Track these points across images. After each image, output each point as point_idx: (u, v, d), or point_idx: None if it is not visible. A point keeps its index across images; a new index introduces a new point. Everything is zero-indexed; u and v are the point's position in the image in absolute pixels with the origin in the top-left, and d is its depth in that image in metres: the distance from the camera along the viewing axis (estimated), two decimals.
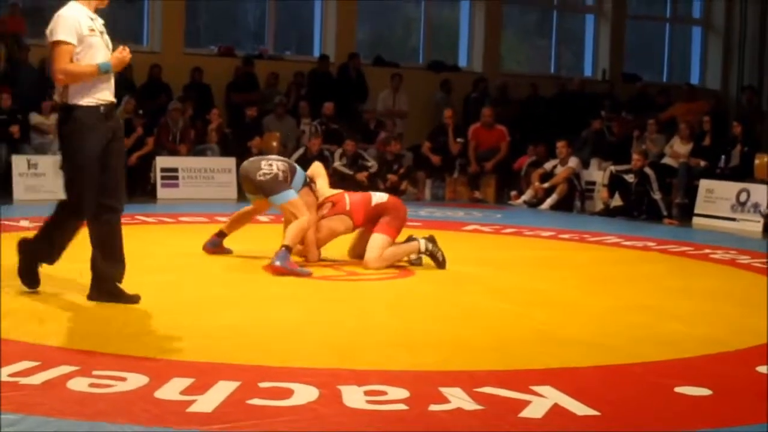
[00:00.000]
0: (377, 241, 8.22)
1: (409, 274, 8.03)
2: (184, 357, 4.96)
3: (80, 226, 6.32)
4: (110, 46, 6.24)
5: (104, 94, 6.15)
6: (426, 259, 8.37)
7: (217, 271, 7.88)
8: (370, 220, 8.34)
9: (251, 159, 8.65)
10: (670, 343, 5.70)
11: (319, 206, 8.46)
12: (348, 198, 8.49)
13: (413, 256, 8.39)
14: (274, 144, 16.07)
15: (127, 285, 6.32)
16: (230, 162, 15.13)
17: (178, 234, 10.60)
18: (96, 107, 6.10)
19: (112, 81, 6.22)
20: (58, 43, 6.01)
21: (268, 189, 8.17)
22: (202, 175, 14.84)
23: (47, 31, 6.08)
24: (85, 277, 6.36)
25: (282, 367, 4.84)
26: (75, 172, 6.12)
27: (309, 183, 8.46)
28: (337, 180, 14.87)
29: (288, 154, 15.52)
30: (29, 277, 6.42)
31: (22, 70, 15.20)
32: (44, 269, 6.47)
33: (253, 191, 8.37)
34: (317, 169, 8.84)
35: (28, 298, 6.26)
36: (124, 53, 6.15)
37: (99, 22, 6.23)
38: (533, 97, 18.74)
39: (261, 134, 16.08)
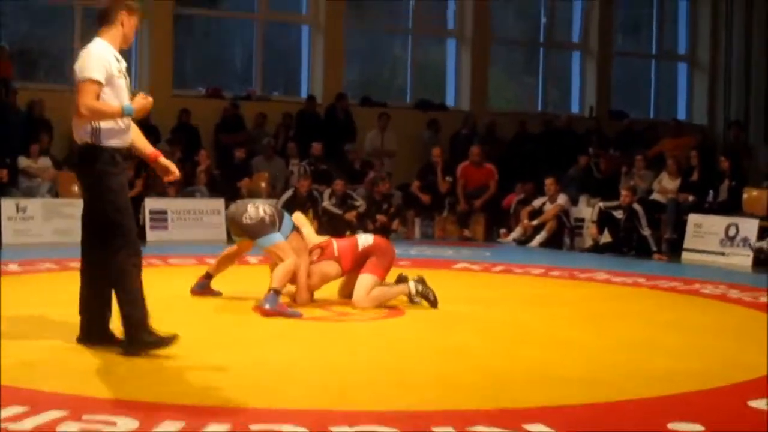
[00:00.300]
0: (364, 281, 8.22)
1: (399, 313, 8.01)
2: (174, 400, 4.93)
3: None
4: (131, 89, 6.20)
5: (128, 138, 6.14)
6: None
7: (206, 313, 7.85)
8: (359, 264, 8.34)
9: (238, 202, 8.73)
10: (662, 379, 5.69)
11: (308, 253, 8.47)
12: (336, 244, 8.50)
13: (416, 300, 8.38)
14: (263, 185, 16.09)
15: (115, 327, 6.28)
16: (219, 203, 15.11)
17: (168, 276, 10.57)
18: (122, 149, 6.10)
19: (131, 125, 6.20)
20: (87, 80, 5.90)
21: (254, 232, 8.19)
22: (191, 217, 14.82)
23: (76, 67, 5.96)
24: (72, 320, 6.33)
25: (273, 408, 4.82)
26: (120, 213, 6.01)
27: (297, 228, 8.45)
28: (326, 220, 14.94)
29: (277, 195, 15.55)
30: (156, 342, 6.05)
31: (10, 113, 15.19)
32: (31, 313, 6.44)
33: (240, 233, 8.44)
34: (299, 218, 8.83)
35: (17, 343, 6.22)
36: (147, 100, 6.09)
37: (123, 64, 6.17)
38: (521, 134, 18.79)
39: (250, 175, 16.10)
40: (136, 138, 6.33)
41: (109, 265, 6.02)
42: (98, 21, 6.18)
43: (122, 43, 6.18)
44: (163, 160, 6.50)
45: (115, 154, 6.00)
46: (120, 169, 6.04)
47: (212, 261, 11.10)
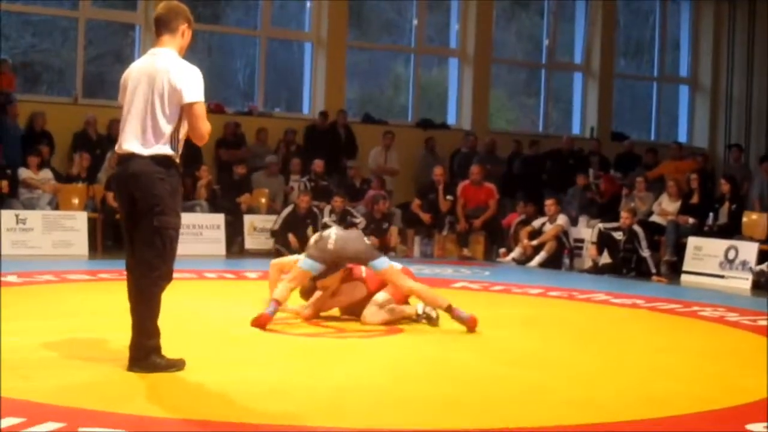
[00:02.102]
0: (380, 297, 8.22)
1: (398, 331, 7.99)
2: (169, 415, 4.92)
3: None
4: None
5: None
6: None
7: (204, 329, 7.83)
8: (383, 287, 8.34)
9: (334, 229, 8.36)
10: (660, 402, 5.67)
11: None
12: (363, 266, 8.46)
13: (422, 317, 8.38)
14: (263, 201, 16.10)
15: (114, 340, 6.28)
16: (219, 218, 15.12)
17: (166, 290, 10.53)
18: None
19: None
20: (201, 102, 5.80)
21: (371, 255, 8.09)
22: (191, 232, 14.80)
23: (179, 86, 5.75)
24: (71, 333, 6.32)
25: (269, 424, 4.80)
26: (176, 236, 5.96)
27: None
28: None
29: (277, 210, 15.56)
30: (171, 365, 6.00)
31: (12, 125, 15.21)
32: (29, 324, 6.43)
33: (345, 260, 8.13)
34: None
35: (13, 354, 6.21)
36: None
37: None
38: (521, 155, 18.80)
39: (250, 191, 16.11)
40: None
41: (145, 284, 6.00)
42: (158, 28, 6.01)
43: (179, 54, 6.00)
44: None
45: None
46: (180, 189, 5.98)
47: (211, 276, 11.15)
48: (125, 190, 5.90)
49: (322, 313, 8.46)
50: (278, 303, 7.91)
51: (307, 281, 8.26)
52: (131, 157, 5.82)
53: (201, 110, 5.80)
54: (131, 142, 5.84)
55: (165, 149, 5.81)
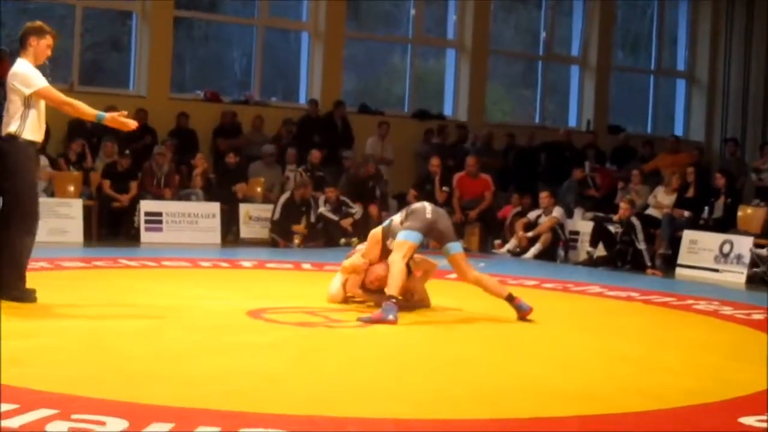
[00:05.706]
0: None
1: (392, 321, 7.97)
2: (163, 402, 4.92)
3: None
4: None
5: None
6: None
7: (199, 317, 7.81)
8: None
9: (423, 204, 8.45)
10: (653, 394, 5.68)
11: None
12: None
13: None
14: (259, 190, 16.10)
15: (107, 329, 6.27)
16: (214, 207, 15.11)
17: (161, 278, 10.55)
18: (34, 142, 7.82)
19: None
20: (44, 87, 7.77)
21: (452, 236, 8.29)
22: (186, 220, 14.81)
23: (17, 84, 7.68)
24: (65, 320, 6.31)
25: (262, 413, 4.80)
26: (31, 187, 7.71)
27: None
28: (322, 226, 15.02)
29: (272, 200, 15.55)
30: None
31: None
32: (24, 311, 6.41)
33: (427, 233, 8.22)
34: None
35: (8, 342, 6.20)
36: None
37: None
38: (517, 146, 18.80)
39: (246, 180, 16.09)
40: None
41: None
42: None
43: (34, 61, 7.86)
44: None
45: (31, 146, 7.78)
46: (31, 157, 7.85)
47: (206, 264, 11.16)
48: None
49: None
50: (396, 302, 7.75)
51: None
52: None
53: (46, 91, 7.77)
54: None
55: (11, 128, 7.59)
